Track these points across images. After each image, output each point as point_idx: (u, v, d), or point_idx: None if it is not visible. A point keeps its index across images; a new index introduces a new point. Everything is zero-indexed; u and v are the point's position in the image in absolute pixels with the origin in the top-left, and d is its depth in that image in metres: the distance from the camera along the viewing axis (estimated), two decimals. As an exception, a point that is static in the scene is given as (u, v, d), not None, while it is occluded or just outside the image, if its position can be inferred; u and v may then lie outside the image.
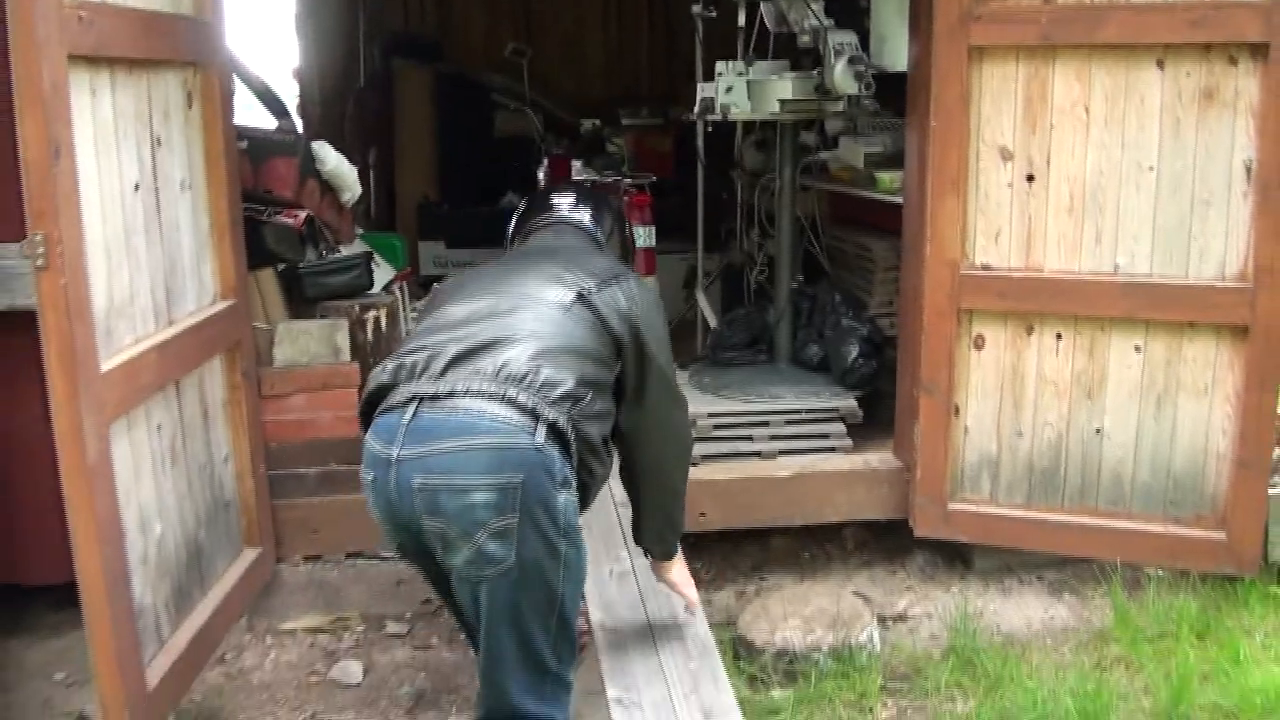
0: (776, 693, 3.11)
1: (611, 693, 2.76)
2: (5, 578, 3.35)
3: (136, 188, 2.70)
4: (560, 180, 5.24)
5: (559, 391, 2.16)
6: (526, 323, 2.25)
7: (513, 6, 7.33)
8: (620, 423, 2.41)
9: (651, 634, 2.94)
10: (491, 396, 2.12)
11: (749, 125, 4.66)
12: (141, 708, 2.59)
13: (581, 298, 2.32)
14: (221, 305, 3.13)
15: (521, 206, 2.85)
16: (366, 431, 2.26)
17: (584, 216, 2.74)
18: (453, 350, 2.20)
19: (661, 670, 2.84)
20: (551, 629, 2.22)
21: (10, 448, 3.28)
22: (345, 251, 3.69)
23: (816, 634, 3.25)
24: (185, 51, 2.93)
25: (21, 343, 3.21)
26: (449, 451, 2.09)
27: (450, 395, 2.13)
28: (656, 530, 2.67)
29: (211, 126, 3.07)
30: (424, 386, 2.16)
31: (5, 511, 3.29)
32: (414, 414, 2.13)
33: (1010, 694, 3.01)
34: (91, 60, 2.47)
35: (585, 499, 2.32)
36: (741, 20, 4.01)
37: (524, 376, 2.14)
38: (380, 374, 2.27)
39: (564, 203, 2.77)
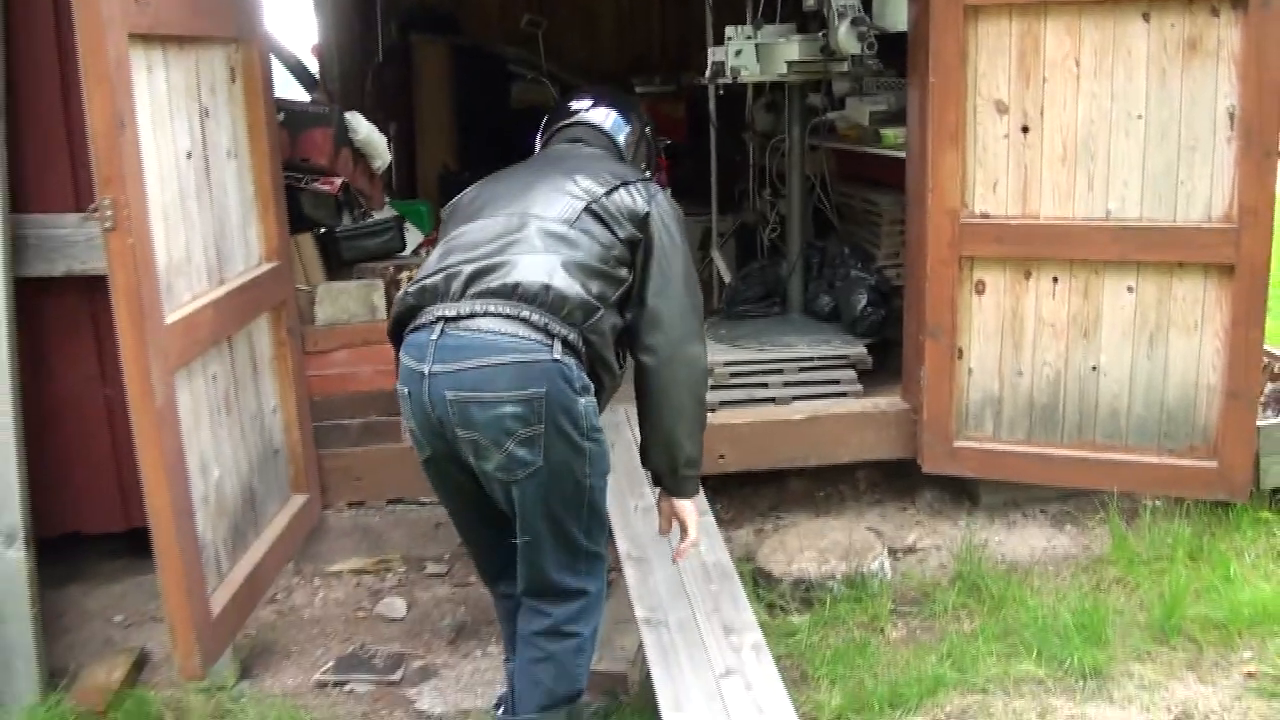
0: (794, 618, 3.33)
1: (639, 613, 2.99)
2: (65, 527, 3.57)
3: (189, 156, 2.91)
4: None
5: (568, 308, 2.32)
6: (535, 242, 2.39)
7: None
8: (633, 330, 2.49)
9: (675, 562, 3.16)
10: (508, 317, 2.30)
11: (759, 89, 4.84)
12: (206, 633, 2.82)
13: (589, 209, 2.44)
14: (266, 267, 3.34)
15: (547, 117, 2.91)
16: (397, 349, 2.49)
17: (603, 120, 2.79)
18: (468, 270, 2.37)
19: (685, 593, 3.07)
20: (583, 516, 2.45)
21: (65, 404, 3.51)
22: (376, 216, 3.89)
23: (831, 564, 3.47)
24: (229, 29, 3.13)
25: (75, 306, 3.48)
26: (475, 369, 2.29)
27: (471, 316, 2.32)
28: (660, 449, 2.57)
29: (253, 99, 3.28)
30: (447, 309, 2.34)
31: (63, 465, 3.51)
32: (440, 333, 2.33)
33: (1013, 613, 3.23)
34: (147, 38, 2.68)
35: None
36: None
37: (535, 296, 2.31)
38: (406, 297, 2.46)
39: (583, 106, 2.83)
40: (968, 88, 3.46)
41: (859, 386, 4.00)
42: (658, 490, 2.68)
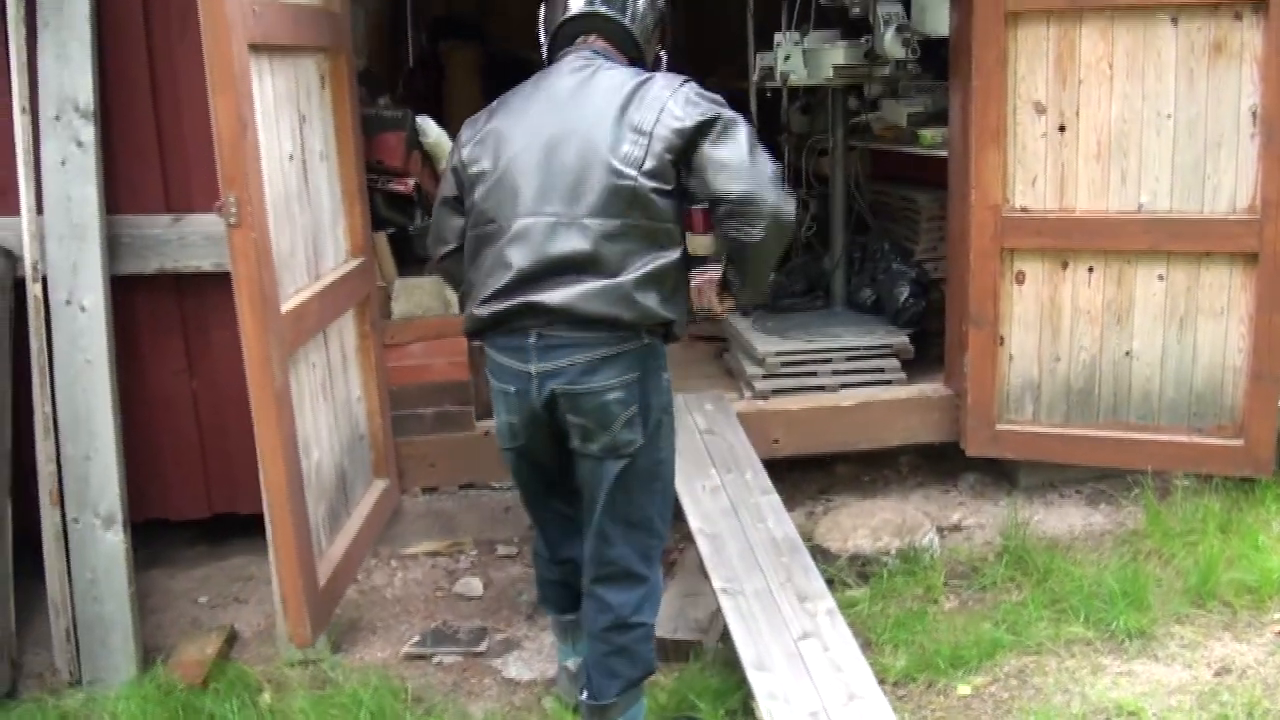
0: (853, 591, 3.53)
1: (716, 583, 3.19)
2: (151, 514, 3.78)
3: (291, 158, 3.12)
4: None
5: (648, 294, 2.53)
6: (596, 228, 2.51)
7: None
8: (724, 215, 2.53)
9: (745, 536, 3.37)
10: (596, 318, 2.51)
11: (794, 92, 5.05)
12: (314, 603, 3.02)
13: (638, 185, 2.51)
14: (353, 263, 3.54)
15: (542, 11, 2.87)
16: (477, 341, 2.76)
17: (610, 9, 2.76)
18: (537, 270, 2.53)
19: (758, 564, 3.28)
20: (658, 490, 2.74)
21: (155, 397, 3.73)
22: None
23: (884, 540, 3.68)
24: (321, 39, 3.33)
25: (166, 303, 3.69)
26: (580, 364, 2.55)
27: (566, 314, 2.52)
28: (746, 293, 2.80)
29: (340, 104, 3.49)
30: (539, 312, 2.54)
31: (151, 455, 3.73)
32: (537, 336, 2.57)
33: (1058, 583, 3.43)
34: (258, 48, 2.87)
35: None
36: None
37: (614, 291, 2.50)
38: (478, 309, 2.65)
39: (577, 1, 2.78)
40: (1008, 90, 3.68)
41: (903, 374, 4.22)
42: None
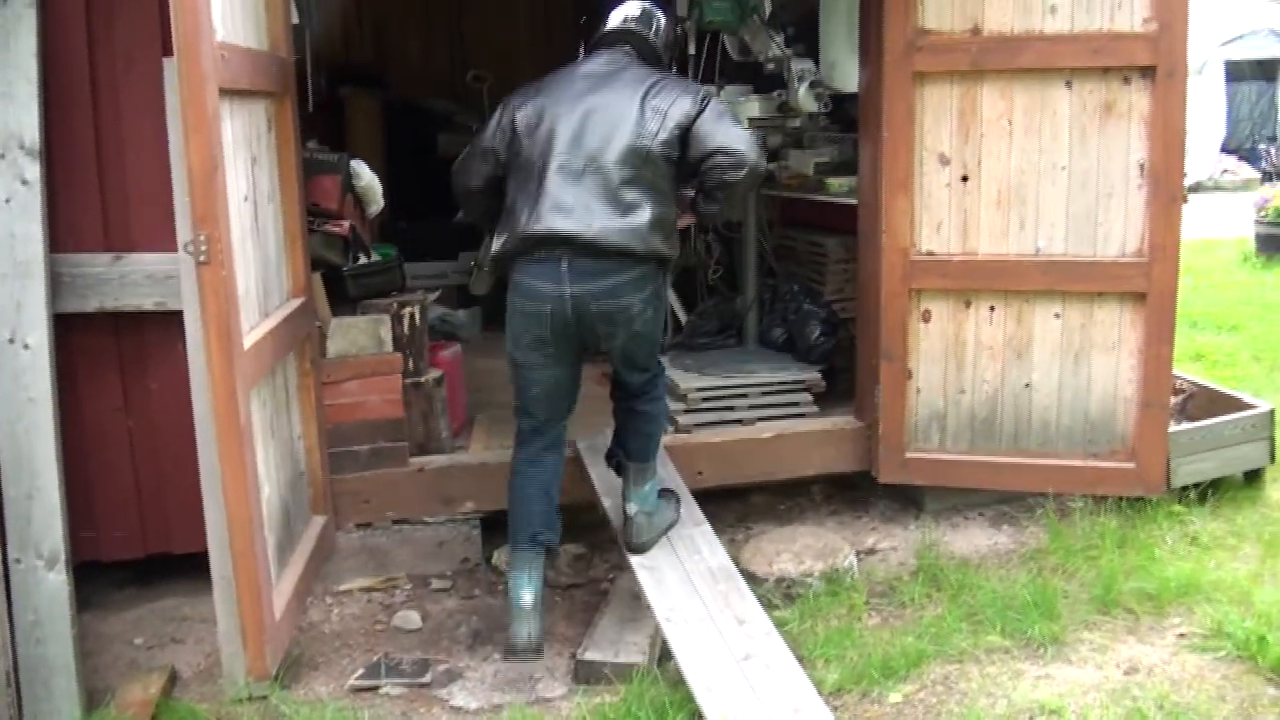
0: (781, 611, 3.70)
1: (660, 613, 3.35)
2: (83, 555, 3.69)
3: (245, 199, 3.19)
4: None
5: (655, 236, 3.32)
6: (616, 175, 3.28)
7: (448, 34, 7.86)
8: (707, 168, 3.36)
9: (683, 566, 3.55)
10: (620, 249, 3.27)
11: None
12: (271, 635, 3.07)
13: (652, 147, 3.30)
14: (295, 302, 3.61)
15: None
16: (505, 267, 3.42)
17: (640, 26, 3.63)
18: (568, 203, 3.27)
19: (697, 593, 3.45)
20: (656, 344, 3.60)
21: (90, 436, 3.70)
22: (375, 257, 4.19)
23: (807, 564, 3.87)
24: (270, 83, 3.42)
25: (103, 341, 3.69)
26: (609, 286, 3.30)
27: (592, 247, 3.25)
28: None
29: (285, 147, 3.57)
30: (570, 244, 3.26)
31: (85, 495, 3.68)
32: (569, 263, 3.27)
33: (971, 597, 3.67)
34: (224, 92, 2.96)
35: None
36: (692, 50, 4.67)
37: (631, 230, 3.27)
38: (517, 232, 3.33)
39: (630, 14, 3.65)
40: (915, 142, 3.98)
41: (815, 408, 4.46)
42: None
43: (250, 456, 2.96)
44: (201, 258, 2.79)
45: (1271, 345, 6.74)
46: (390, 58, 7.83)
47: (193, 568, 3.88)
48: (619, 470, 3.73)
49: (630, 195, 3.28)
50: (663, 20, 3.69)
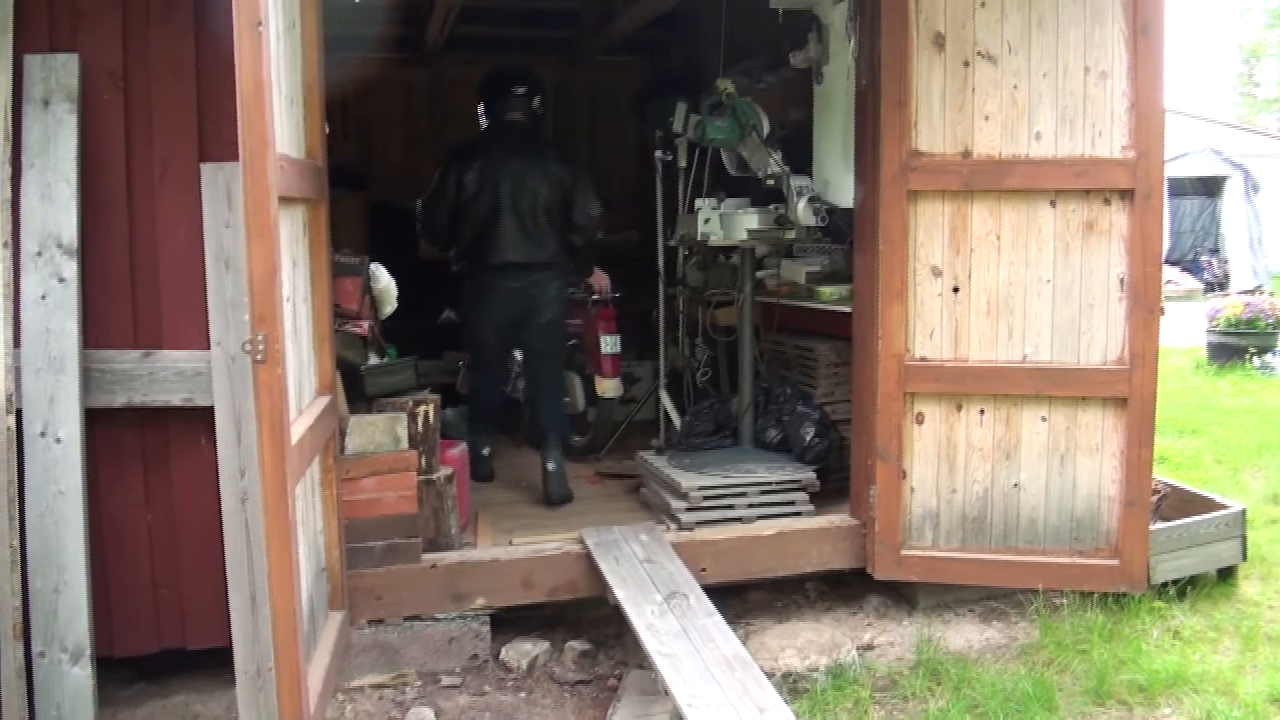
0: (790, 705, 3.80)
1: (681, 700, 3.43)
2: (99, 651, 3.71)
3: (288, 299, 3.31)
4: None
5: (561, 256, 5.18)
6: (542, 229, 5.09)
7: (431, 138, 8.09)
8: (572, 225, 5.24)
9: (700, 655, 3.64)
10: (544, 264, 5.11)
11: (690, 249, 5.53)
12: (307, 728, 3.11)
13: (559, 201, 5.12)
14: (323, 401, 3.71)
15: (490, 87, 5.40)
16: (463, 267, 5.33)
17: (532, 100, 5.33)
18: (513, 242, 5.06)
19: (715, 680, 3.54)
20: (559, 345, 5.51)
21: (110, 530, 3.73)
22: (391, 358, 4.32)
23: (811, 659, 3.99)
24: (308, 190, 3.57)
25: (127, 436, 3.75)
26: (540, 282, 5.12)
27: (529, 263, 5.08)
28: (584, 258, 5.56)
29: (317, 251, 3.71)
30: (511, 263, 5.10)
31: (103, 589, 3.69)
32: (518, 270, 5.07)
33: (972, 690, 3.81)
34: (280, 200, 3.10)
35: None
36: (683, 163, 4.92)
37: (550, 256, 5.11)
38: (487, 262, 5.13)
39: (519, 91, 5.26)
40: (909, 255, 4.22)
41: (811, 507, 4.62)
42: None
43: (295, 548, 3.04)
44: (259, 356, 2.89)
45: (1232, 449, 7.06)
46: (374, 160, 8.04)
47: (202, 664, 3.91)
48: (540, 440, 5.30)
49: (547, 235, 5.10)
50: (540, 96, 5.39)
